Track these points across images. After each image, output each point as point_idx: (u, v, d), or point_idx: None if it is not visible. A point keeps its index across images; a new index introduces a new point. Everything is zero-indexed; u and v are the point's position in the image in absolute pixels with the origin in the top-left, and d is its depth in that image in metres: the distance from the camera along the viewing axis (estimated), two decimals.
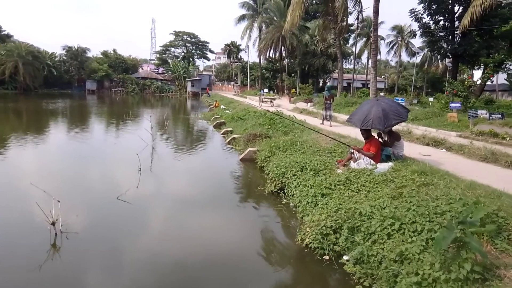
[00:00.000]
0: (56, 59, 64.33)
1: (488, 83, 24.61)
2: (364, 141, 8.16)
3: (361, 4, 30.15)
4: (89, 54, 68.28)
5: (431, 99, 29.59)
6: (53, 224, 5.66)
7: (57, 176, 9.80)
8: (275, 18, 44.53)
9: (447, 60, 37.69)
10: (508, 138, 10.87)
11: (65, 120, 25.69)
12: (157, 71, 79.51)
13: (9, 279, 4.67)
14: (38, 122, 23.06)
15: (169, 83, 73.15)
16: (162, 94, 68.52)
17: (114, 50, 72.47)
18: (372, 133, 8.08)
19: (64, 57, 65.46)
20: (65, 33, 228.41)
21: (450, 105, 15.58)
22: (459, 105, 15.45)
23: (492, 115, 13.40)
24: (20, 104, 37.03)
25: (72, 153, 13.14)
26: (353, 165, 7.68)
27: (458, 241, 3.53)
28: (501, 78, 34.20)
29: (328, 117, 16.14)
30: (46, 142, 15.61)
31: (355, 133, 13.03)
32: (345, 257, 5.17)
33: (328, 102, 16.21)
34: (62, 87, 63.37)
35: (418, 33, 27.75)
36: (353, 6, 29.33)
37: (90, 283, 4.76)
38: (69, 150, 13.94)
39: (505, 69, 22.56)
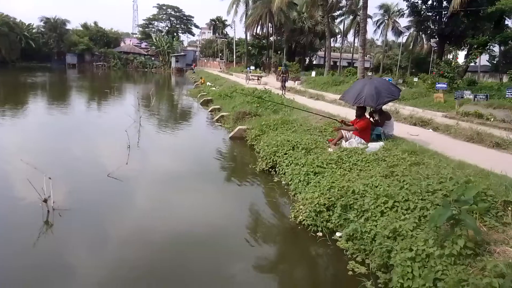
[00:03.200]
0: (34, 30, 61.50)
1: (471, 64, 24.95)
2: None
3: None
4: (69, 27, 65.42)
5: (415, 79, 29.87)
6: (45, 201, 5.58)
7: (46, 152, 9.58)
8: None
9: (432, 40, 37.91)
10: (492, 119, 11.16)
11: (48, 95, 24.94)
12: (140, 46, 76.85)
13: (4, 256, 4.62)
14: (19, 97, 22.25)
15: (153, 58, 71.05)
16: (146, 70, 66.69)
17: (95, 23, 69.63)
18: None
19: (42, 29, 62.55)
20: (40, 2, 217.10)
21: (437, 85, 15.76)
22: (445, 85, 15.64)
23: (477, 96, 13.65)
24: None
25: (59, 130, 12.84)
26: (344, 144, 7.77)
27: (453, 219, 3.65)
28: (483, 59, 34.74)
29: (283, 87, 19.92)
30: (31, 118, 15.14)
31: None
32: (338, 234, 5.31)
33: (284, 75, 20.47)
34: (41, 60, 60.86)
35: (406, 12, 27.77)
36: None
37: (83, 258, 4.76)
38: (56, 126, 13.60)
39: (488, 50, 22.88)
